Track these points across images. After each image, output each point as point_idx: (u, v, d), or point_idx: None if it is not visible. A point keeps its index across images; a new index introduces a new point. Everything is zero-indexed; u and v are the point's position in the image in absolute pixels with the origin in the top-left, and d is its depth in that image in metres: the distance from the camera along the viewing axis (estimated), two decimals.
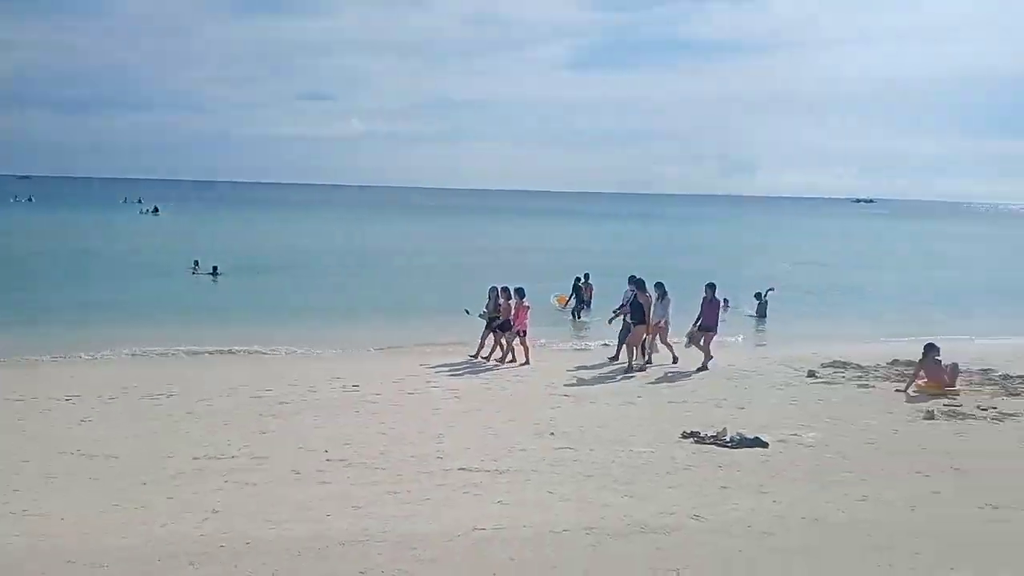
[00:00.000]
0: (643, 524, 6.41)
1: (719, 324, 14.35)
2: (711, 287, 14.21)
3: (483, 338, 14.68)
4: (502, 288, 14.63)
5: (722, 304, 23.63)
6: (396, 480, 7.69)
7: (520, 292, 14.44)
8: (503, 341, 14.32)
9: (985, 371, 13.08)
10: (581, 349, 16.83)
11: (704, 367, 13.50)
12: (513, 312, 14.15)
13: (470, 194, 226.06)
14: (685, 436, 9.37)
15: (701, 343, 13.76)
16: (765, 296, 22.32)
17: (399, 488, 7.43)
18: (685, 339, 14.00)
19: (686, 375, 13.27)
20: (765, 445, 8.93)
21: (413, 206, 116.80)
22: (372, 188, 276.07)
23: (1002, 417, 10.23)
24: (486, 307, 14.71)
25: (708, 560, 5.76)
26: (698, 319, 13.96)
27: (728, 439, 9.12)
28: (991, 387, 12.14)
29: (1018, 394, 11.64)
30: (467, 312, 15.48)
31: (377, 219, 76.30)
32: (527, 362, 14.11)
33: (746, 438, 9.09)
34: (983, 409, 10.63)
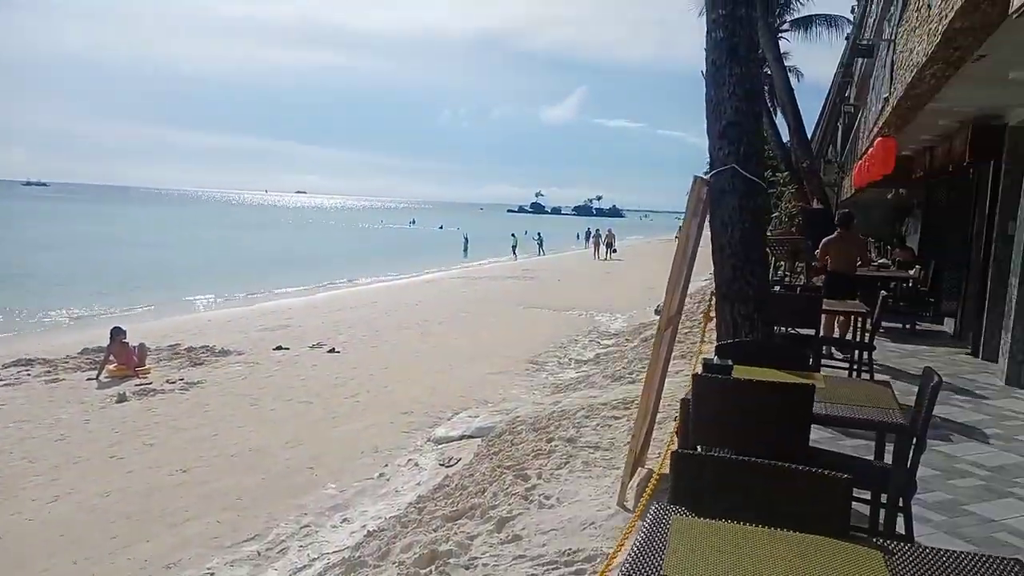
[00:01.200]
0: None
1: None
2: None
3: None
4: None
5: None
6: None
7: None
8: None
9: (173, 346, 13.94)
10: None
11: None
12: None
13: None
14: None
15: None
16: None
17: None
18: None
19: None
20: None
21: None
22: None
23: (188, 386, 11.04)
24: None
25: None
26: None
27: None
28: (179, 360, 13.01)
29: (202, 363, 12.80)
30: None
31: None
32: None
33: None
34: (172, 382, 11.29)
